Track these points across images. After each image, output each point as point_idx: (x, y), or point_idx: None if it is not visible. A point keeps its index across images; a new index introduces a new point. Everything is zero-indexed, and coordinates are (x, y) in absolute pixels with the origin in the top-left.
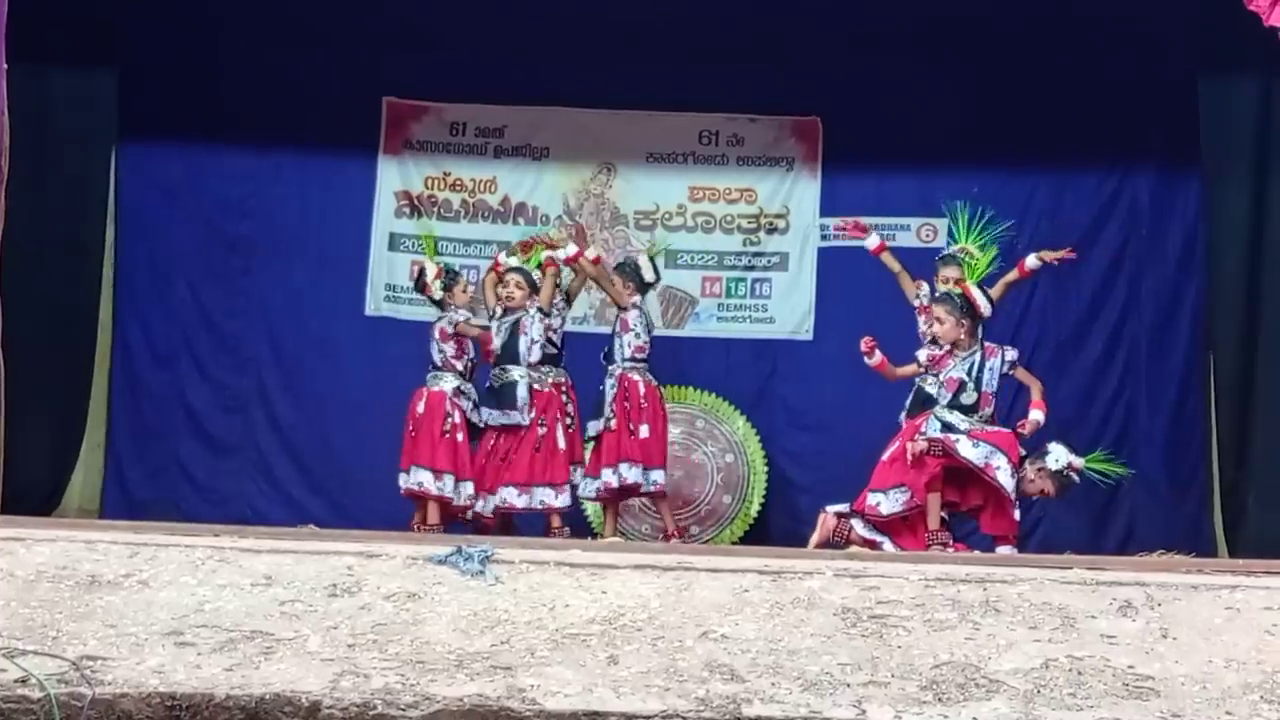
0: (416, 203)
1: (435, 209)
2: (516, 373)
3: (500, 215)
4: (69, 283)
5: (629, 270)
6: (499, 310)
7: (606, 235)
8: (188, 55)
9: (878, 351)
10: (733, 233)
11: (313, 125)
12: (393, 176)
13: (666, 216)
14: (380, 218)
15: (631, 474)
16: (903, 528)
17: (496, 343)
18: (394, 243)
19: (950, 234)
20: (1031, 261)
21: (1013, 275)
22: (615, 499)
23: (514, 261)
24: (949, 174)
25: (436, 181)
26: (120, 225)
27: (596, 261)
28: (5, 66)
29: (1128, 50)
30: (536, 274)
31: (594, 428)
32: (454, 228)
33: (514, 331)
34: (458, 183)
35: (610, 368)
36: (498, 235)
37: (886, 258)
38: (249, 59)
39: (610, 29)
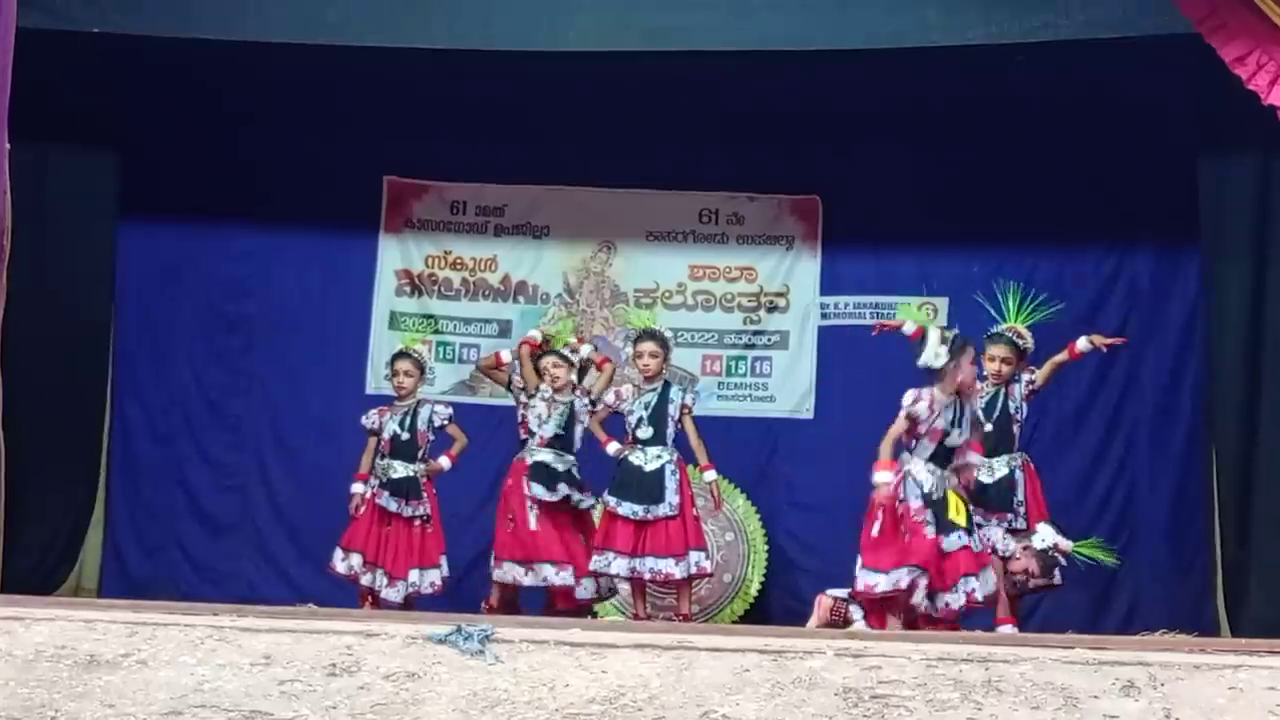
0: (417, 281)
1: (436, 287)
2: (570, 459)
3: (501, 294)
4: (72, 362)
5: (665, 342)
6: (546, 390)
7: (606, 313)
8: (188, 135)
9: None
10: (733, 311)
11: (313, 204)
12: (394, 255)
13: (666, 295)
14: (381, 296)
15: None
16: (876, 604)
17: (549, 428)
18: (395, 321)
19: (1000, 312)
20: (1082, 344)
21: (1062, 356)
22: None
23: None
24: (948, 253)
25: (437, 260)
26: (120, 304)
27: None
28: (9, 146)
29: (1127, 129)
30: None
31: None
32: (455, 306)
33: (572, 419)
34: (458, 261)
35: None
36: (498, 314)
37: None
38: (249, 138)
39: (610, 109)
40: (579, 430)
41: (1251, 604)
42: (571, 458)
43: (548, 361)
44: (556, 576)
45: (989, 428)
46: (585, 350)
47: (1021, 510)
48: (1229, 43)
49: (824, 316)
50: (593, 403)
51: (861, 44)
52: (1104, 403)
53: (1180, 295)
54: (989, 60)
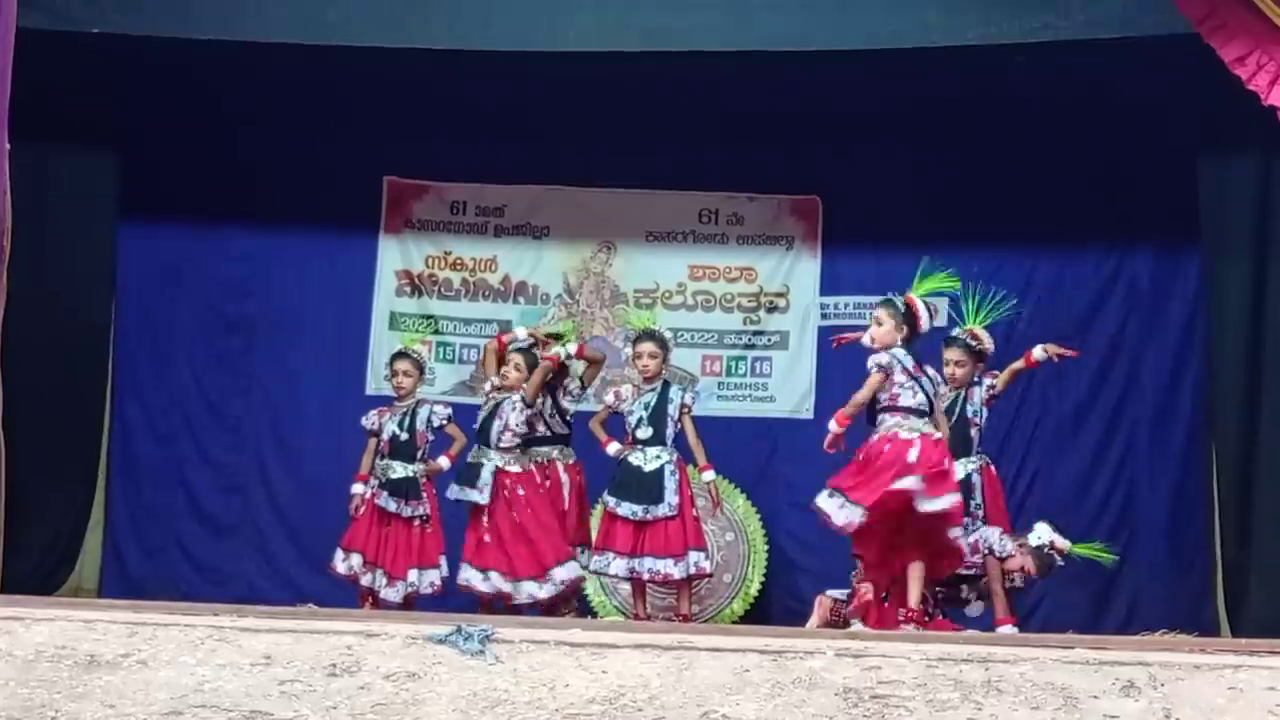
0: (417, 282)
1: (436, 288)
2: (483, 455)
3: (500, 294)
4: (72, 362)
5: (664, 342)
6: (492, 384)
7: (606, 314)
8: (188, 135)
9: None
10: (733, 311)
11: (314, 205)
12: (394, 255)
13: (666, 295)
14: (381, 297)
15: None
16: (870, 608)
17: (478, 422)
18: (395, 322)
19: (960, 314)
20: (1038, 353)
21: (1019, 364)
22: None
23: (522, 343)
24: (948, 254)
25: (437, 260)
26: (120, 305)
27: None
28: (9, 147)
29: (1126, 129)
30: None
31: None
32: (455, 306)
33: (493, 413)
34: (458, 261)
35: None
36: (498, 314)
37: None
38: (249, 138)
39: (610, 109)
40: (497, 425)
41: (1251, 604)
42: (493, 452)
43: (511, 357)
44: (484, 583)
45: None
46: (560, 349)
47: (980, 514)
48: (1229, 43)
49: (824, 317)
50: (527, 403)
51: (861, 44)
52: (1104, 403)
53: (1180, 295)
54: (989, 60)
